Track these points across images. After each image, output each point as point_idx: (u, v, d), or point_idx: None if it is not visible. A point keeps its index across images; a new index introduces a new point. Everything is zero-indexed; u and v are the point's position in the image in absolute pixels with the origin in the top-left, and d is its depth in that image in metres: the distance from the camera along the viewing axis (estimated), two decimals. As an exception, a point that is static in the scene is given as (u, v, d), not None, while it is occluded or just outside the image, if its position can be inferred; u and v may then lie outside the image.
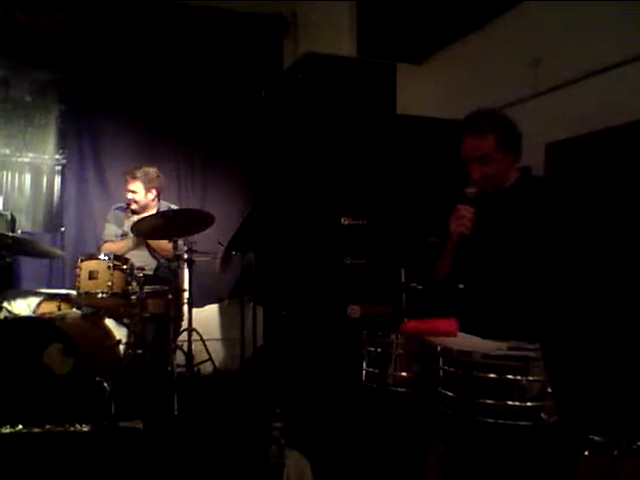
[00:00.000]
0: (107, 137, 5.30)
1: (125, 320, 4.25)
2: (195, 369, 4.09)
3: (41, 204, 5.21)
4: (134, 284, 3.94)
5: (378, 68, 4.20)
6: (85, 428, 3.29)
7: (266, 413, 2.72)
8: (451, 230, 2.44)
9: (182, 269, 4.40)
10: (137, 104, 5.38)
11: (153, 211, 4.48)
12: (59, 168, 5.26)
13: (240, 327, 4.75)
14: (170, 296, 4.09)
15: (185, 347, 4.04)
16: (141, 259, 4.33)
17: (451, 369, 1.90)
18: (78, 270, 3.88)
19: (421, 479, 2.24)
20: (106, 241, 4.54)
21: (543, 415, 1.73)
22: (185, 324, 4.15)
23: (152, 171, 4.53)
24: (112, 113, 5.30)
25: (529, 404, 1.74)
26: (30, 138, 5.20)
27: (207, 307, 5.42)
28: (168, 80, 5.46)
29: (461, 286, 2.57)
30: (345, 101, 4.02)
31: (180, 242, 4.14)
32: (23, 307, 4.36)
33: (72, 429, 3.28)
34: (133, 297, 3.94)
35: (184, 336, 4.10)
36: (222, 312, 5.57)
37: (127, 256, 4.14)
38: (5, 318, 4.00)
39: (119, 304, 4.05)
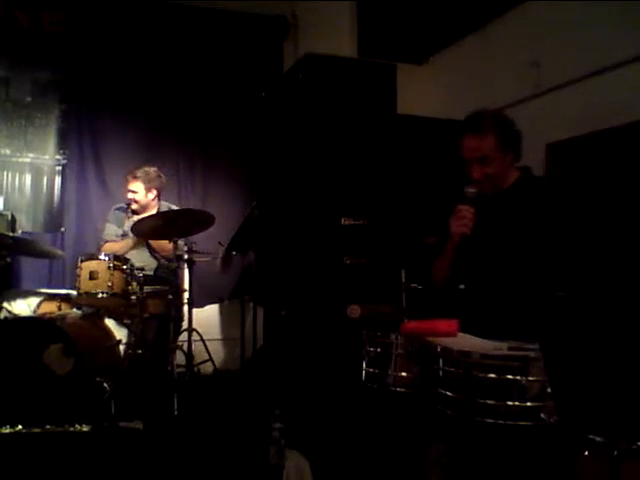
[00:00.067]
0: (108, 137, 5.31)
1: (125, 320, 4.26)
2: (195, 369, 4.08)
3: (41, 204, 5.21)
4: (134, 284, 3.94)
5: (378, 68, 4.21)
6: (85, 428, 3.29)
7: (266, 414, 2.72)
8: (452, 230, 2.44)
9: (182, 269, 4.40)
10: (138, 104, 5.38)
11: (153, 211, 4.48)
12: (59, 168, 5.26)
13: (240, 327, 4.76)
14: (170, 296, 4.09)
15: (185, 347, 4.03)
16: (141, 259, 4.33)
17: (451, 369, 1.91)
18: (78, 270, 3.89)
19: (421, 479, 2.24)
20: (107, 241, 4.54)
21: (543, 415, 1.73)
22: (185, 324, 4.15)
23: (152, 171, 4.53)
24: (113, 113, 5.30)
25: (529, 404, 1.75)
26: (31, 138, 5.20)
27: (207, 307, 5.41)
28: (168, 80, 5.46)
29: (461, 286, 2.57)
30: (345, 101, 4.02)
31: (180, 242, 4.14)
32: (23, 307, 4.36)
33: (72, 429, 3.28)
34: (133, 297, 3.94)
35: (184, 336, 4.09)
36: (222, 312, 5.56)
37: (127, 256, 4.15)
38: (5, 318, 4.00)
39: (119, 304, 4.05)
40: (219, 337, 5.46)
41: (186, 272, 4.33)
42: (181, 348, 4.05)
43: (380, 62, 4.33)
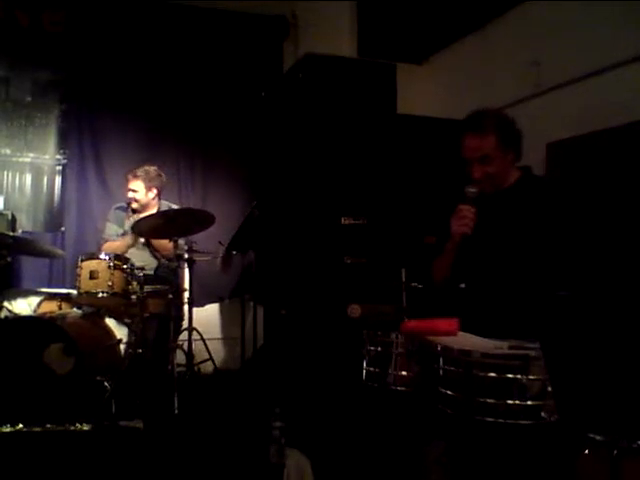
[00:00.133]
0: (108, 137, 5.31)
1: (125, 319, 4.26)
2: (195, 368, 4.08)
3: (42, 204, 5.21)
4: (134, 284, 3.94)
5: (378, 68, 4.21)
6: (86, 427, 3.30)
7: (266, 412, 2.72)
8: (453, 230, 2.44)
9: (183, 269, 4.41)
10: (138, 104, 5.38)
11: (154, 210, 4.49)
12: (60, 168, 5.26)
13: (240, 326, 4.76)
14: (170, 295, 4.10)
15: (185, 346, 4.03)
16: (141, 259, 4.33)
17: (451, 368, 1.91)
18: (79, 270, 3.89)
19: (421, 478, 2.24)
20: (107, 240, 4.54)
21: (543, 414, 1.73)
22: (185, 323, 4.15)
23: (153, 170, 4.53)
24: (113, 113, 5.30)
25: (529, 403, 1.75)
26: (31, 138, 5.20)
27: (207, 306, 5.42)
28: (169, 80, 5.46)
29: (462, 286, 2.57)
30: (345, 101, 4.02)
31: (181, 241, 4.15)
32: (24, 306, 4.36)
33: (73, 428, 3.28)
34: (133, 297, 3.94)
35: (184, 335, 4.09)
36: (222, 311, 5.57)
37: (127, 256, 4.15)
38: (6, 317, 4.01)
39: (119, 304, 4.05)
40: (219, 336, 5.47)
41: (186, 271, 4.33)
42: (181, 347, 4.05)
43: (380, 62, 4.33)
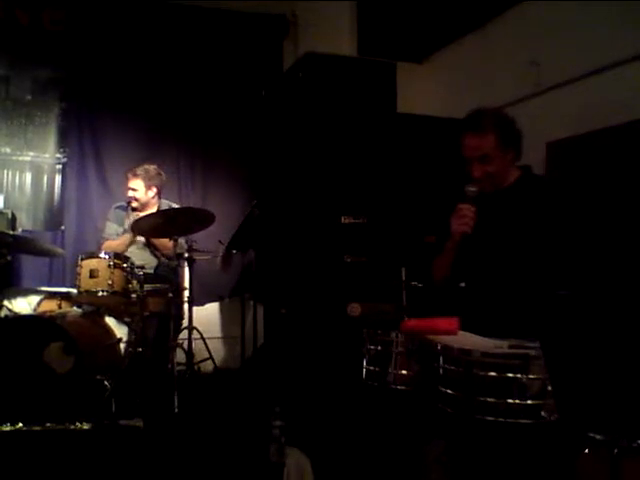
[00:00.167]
0: (108, 136, 5.31)
1: (125, 318, 4.26)
2: (195, 367, 4.09)
3: (42, 203, 5.21)
4: (134, 282, 3.94)
5: (378, 67, 4.20)
6: (86, 426, 3.30)
7: (266, 411, 2.72)
8: (453, 229, 2.44)
9: (183, 267, 4.41)
10: (138, 103, 5.38)
11: (154, 209, 4.49)
12: (60, 167, 5.25)
13: (240, 325, 4.76)
14: (170, 294, 4.10)
15: (185, 345, 4.04)
16: (141, 257, 4.34)
17: (451, 367, 1.91)
18: (79, 268, 3.89)
19: (421, 477, 2.24)
20: (107, 239, 4.54)
21: (543, 413, 1.74)
22: (185, 322, 4.15)
23: (152, 169, 4.54)
24: (113, 112, 5.31)
25: (529, 402, 1.75)
26: (31, 137, 5.20)
27: (208, 305, 5.42)
28: (169, 79, 5.47)
29: (462, 285, 2.57)
30: (345, 100, 4.02)
31: (181, 240, 4.15)
32: (24, 305, 4.36)
33: (72, 427, 3.28)
34: (133, 295, 3.95)
35: (184, 334, 4.10)
36: (222, 310, 5.57)
37: (127, 254, 4.15)
38: (6, 316, 4.01)
39: (119, 302, 4.06)
40: (219, 335, 5.47)
41: (186, 270, 4.34)
42: (181, 346, 4.05)
43: (380, 61, 4.32)
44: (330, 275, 3.83)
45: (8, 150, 5.14)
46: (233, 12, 5.67)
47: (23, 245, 4.20)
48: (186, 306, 4.17)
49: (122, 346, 4.15)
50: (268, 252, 4.56)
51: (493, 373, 1.78)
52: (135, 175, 4.48)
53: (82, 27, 5.25)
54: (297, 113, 4.12)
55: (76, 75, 5.26)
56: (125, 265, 3.92)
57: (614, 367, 1.77)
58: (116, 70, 5.34)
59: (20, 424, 3.25)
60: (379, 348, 2.22)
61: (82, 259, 3.91)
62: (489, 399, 1.77)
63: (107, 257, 3.89)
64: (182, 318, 4.30)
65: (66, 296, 4.30)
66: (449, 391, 1.90)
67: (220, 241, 4.55)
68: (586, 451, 1.77)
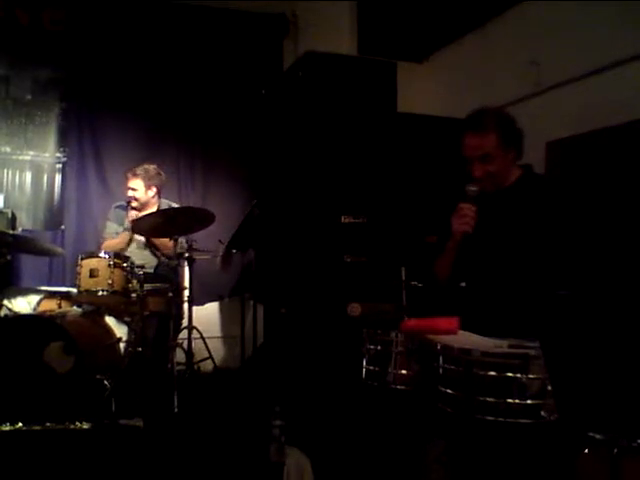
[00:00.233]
0: (108, 135, 5.31)
1: (125, 318, 4.26)
2: (195, 367, 4.09)
3: (42, 202, 5.20)
4: (134, 282, 3.94)
5: (378, 66, 4.20)
6: (85, 426, 3.30)
7: (266, 411, 2.72)
8: (454, 229, 2.44)
9: (183, 267, 4.41)
10: (138, 102, 5.38)
11: (153, 209, 4.49)
12: (60, 166, 5.25)
13: (240, 325, 4.76)
14: (170, 294, 4.11)
15: (185, 345, 4.04)
16: (141, 257, 4.34)
17: (451, 367, 1.90)
18: (78, 268, 3.89)
19: (421, 477, 2.24)
20: (107, 239, 4.54)
21: (543, 413, 1.73)
22: (185, 322, 4.15)
23: (152, 168, 4.54)
24: (113, 111, 5.31)
25: (529, 402, 1.74)
26: (31, 136, 5.20)
27: (207, 305, 5.42)
28: (169, 79, 5.47)
29: (463, 284, 2.57)
30: (346, 99, 4.02)
31: (181, 240, 4.15)
32: (23, 305, 4.37)
33: (72, 427, 3.28)
34: (133, 295, 3.95)
35: (184, 334, 4.10)
36: (222, 310, 5.57)
37: (127, 254, 4.15)
38: (5, 316, 4.00)
39: (119, 302, 4.06)
40: (219, 335, 5.47)
41: (186, 270, 4.34)
42: (181, 346, 4.05)
43: (380, 60, 4.32)
44: (330, 275, 3.83)
45: (8, 149, 5.14)
46: (233, 11, 5.67)
47: (23, 245, 4.20)
48: (186, 306, 4.17)
49: (122, 346, 4.15)
50: (268, 252, 4.56)
51: (493, 373, 1.78)
52: (135, 175, 4.48)
53: (82, 27, 5.25)
54: (297, 112, 4.12)
55: (76, 75, 5.26)
56: (125, 264, 3.93)
57: (614, 367, 1.77)
58: (116, 70, 5.33)
59: (20, 424, 3.25)
60: (379, 348, 2.22)
61: (82, 259, 3.91)
62: (489, 399, 1.77)
63: (107, 257, 3.89)
64: (182, 318, 4.30)
65: (66, 296, 4.30)
66: (449, 391, 1.90)
67: (220, 241, 4.55)
68: (586, 451, 1.77)
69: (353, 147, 3.97)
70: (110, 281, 3.83)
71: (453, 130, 2.56)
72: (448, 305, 2.57)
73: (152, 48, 5.44)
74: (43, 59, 5.21)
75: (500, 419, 1.75)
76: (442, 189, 3.03)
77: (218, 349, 5.20)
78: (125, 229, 4.49)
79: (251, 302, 5.03)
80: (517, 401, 1.75)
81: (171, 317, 4.10)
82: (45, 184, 5.22)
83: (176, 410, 3.61)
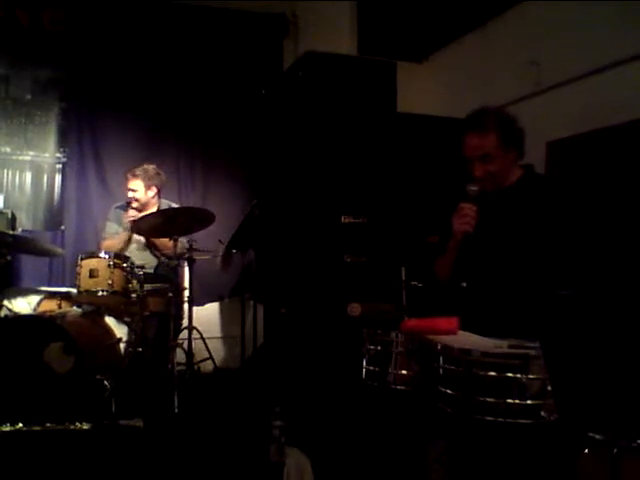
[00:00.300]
0: (108, 135, 5.31)
1: (125, 318, 4.26)
2: (195, 367, 4.09)
3: (42, 202, 5.21)
4: (134, 282, 3.94)
5: (378, 66, 4.20)
6: (85, 426, 3.29)
7: (266, 411, 2.72)
8: (454, 228, 2.43)
9: (183, 267, 4.41)
10: (138, 102, 5.39)
11: (154, 209, 4.49)
12: (60, 166, 5.25)
13: (240, 325, 4.76)
14: (170, 294, 4.10)
15: (185, 345, 4.04)
16: (141, 257, 4.34)
17: (451, 367, 1.90)
18: (78, 268, 3.89)
19: (422, 477, 2.24)
20: (107, 239, 4.54)
21: (543, 413, 1.73)
22: (185, 322, 4.15)
23: (152, 169, 4.54)
24: (113, 111, 5.31)
25: (529, 402, 1.74)
26: (31, 136, 5.20)
27: (208, 305, 5.42)
28: (169, 79, 5.47)
29: (464, 284, 2.57)
30: (345, 99, 4.02)
31: (182, 240, 4.14)
32: (23, 305, 4.36)
33: (72, 427, 3.28)
34: (133, 295, 3.95)
35: (184, 334, 4.10)
36: (222, 310, 5.57)
37: (127, 254, 4.15)
38: (5, 316, 4.00)
39: (119, 302, 4.05)
40: (219, 335, 5.47)
41: (186, 270, 4.34)
42: (181, 346, 4.05)
43: (380, 60, 4.32)
44: (330, 275, 3.83)
45: (8, 149, 5.15)
46: (233, 11, 5.67)
47: (23, 245, 4.20)
48: (186, 306, 4.18)
49: (122, 346, 4.14)
50: (268, 252, 4.56)
51: (493, 373, 1.78)
52: (134, 175, 4.48)
53: (82, 27, 5.25)
54: (297, 112, 4.12)
55: (76, 75, 5.26)
56: (125, 265, 3.92)
57: (614, 367, 1.77)
58: (116, 70, 5.34)
59: (20, 424, 3.24)
60: (379, 348, 2.22)
61: (82, 259, 3.91)
62: (489, 399, 1.77)
63: (107, 257, 3.89)
64: (182, 318, 4.30)
65: (66, 296, 4.30)
66: (449, 391, 1.89)
67: (220, 241, 4.55)
68: (586, 451, 1.77)
69: (353, 147, 3.97)
70: (110, 281, 3.83)
71: (453, 130, 2.56)
72: (448, 305, 2.57)
73: (152, 48, 5.44)
74: (43, 59, 5.21)
75: (500, 419, 1.75)
76: (443, 189, 3.03)
77: (218, 349, 5.20)
78: (125, 229, 4.49)
79: (251, 302, 5.03)
80: (517, 401, 1.74)
81: (171, 317, 4.09)
82: (45, 184, 5.22)
83: (176, 410, 3.61)
